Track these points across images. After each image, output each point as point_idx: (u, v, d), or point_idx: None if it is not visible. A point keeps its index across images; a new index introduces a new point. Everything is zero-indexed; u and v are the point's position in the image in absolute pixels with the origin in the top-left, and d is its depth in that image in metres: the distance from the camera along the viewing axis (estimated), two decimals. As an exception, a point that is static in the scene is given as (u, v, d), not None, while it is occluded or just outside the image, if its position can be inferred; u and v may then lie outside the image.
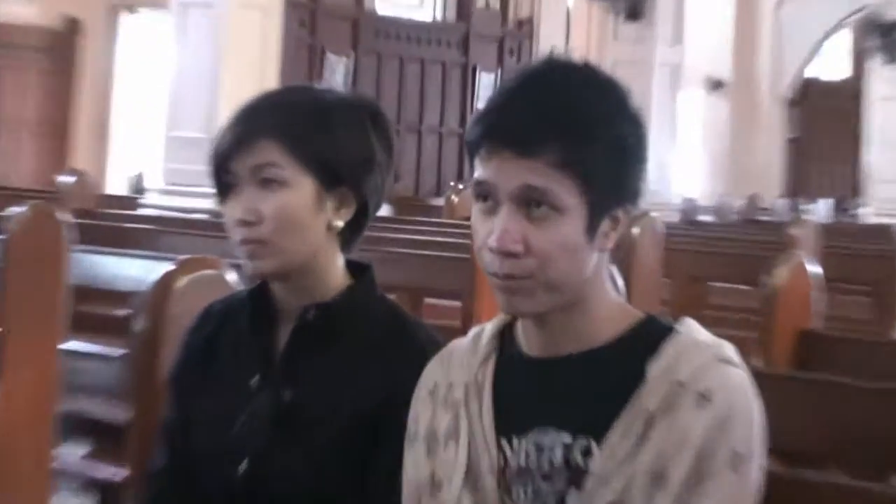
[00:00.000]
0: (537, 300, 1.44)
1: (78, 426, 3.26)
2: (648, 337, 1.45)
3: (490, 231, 1.42)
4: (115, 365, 2.53)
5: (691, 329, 1.47)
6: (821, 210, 12.42)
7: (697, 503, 1.33)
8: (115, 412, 2.45)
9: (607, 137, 1.42)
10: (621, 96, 1.47)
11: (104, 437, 3.08)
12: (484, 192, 1.44)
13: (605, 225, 1.45)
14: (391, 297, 1.96)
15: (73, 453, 3.32)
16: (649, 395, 1.39)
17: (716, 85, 15.16)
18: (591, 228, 1.43)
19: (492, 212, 1.43)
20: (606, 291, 1.51)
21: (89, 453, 3.37)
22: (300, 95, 1.84)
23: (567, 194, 1.41)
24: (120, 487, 2.46)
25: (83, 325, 3.54)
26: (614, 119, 1.44)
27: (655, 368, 1.41)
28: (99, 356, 3.20)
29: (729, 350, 1.44)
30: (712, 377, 1.39)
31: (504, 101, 1.46)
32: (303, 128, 1.72)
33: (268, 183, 1.69)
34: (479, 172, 1.45)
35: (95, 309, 4.15)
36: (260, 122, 1.72)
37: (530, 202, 1.41)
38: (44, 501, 2.94)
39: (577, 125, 1.41)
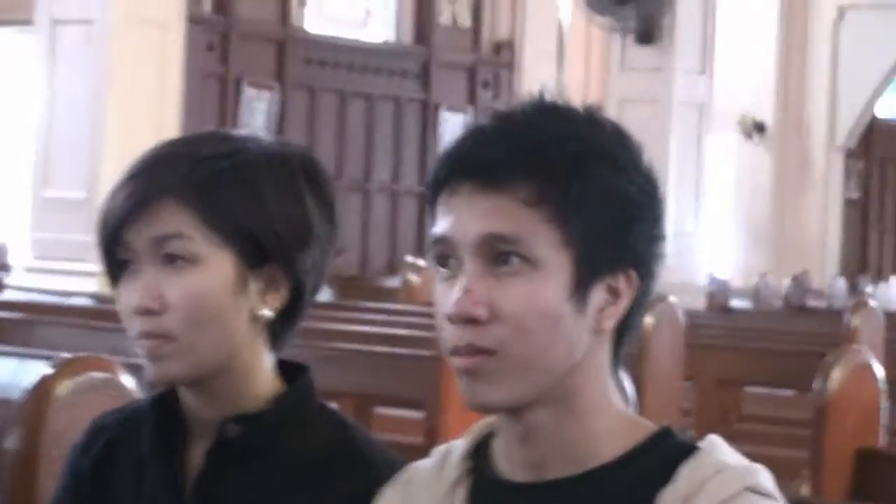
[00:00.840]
0: (508, 386, 1.28)
1: None
2: (662, 458, 1.31)
3: (451, 299, 1.27)
4: None
5: (717, 449, 1.30)
6: (890, 293, 11.00)
7: None
8: None
9: (602, 177, 1.25)
10: (629, 143, 1.29)
11: None
12: (444, 253, 1.28)
13: (597, 294, 1.27)
14: (333, 405, 1.74)
15: None
16: None
17: (755, 129, 13.50)
18: (579, 293, 1.25)
19: (455, 277, 1.27)
20: (608, 396, 1.34)
21: None
22: (214, 146, 1.57)
23: (544, 243, 1.25)
24: None
25: None
26: (615, 159, 1.26)
27: (669, 500, 1.27)
28: None
29: (764, 478, 1.28)
30: None
31: (472, 132, 1.32)
32: (219, 188, 1.51)
33: (173, 260, 1.50)
34: (437, 226, 1.30)
35: None
36: (163, 179, 1.50)
37: (497, 255, 1.26)
38: None
39: (562, 157, 1.25)
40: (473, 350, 1.24)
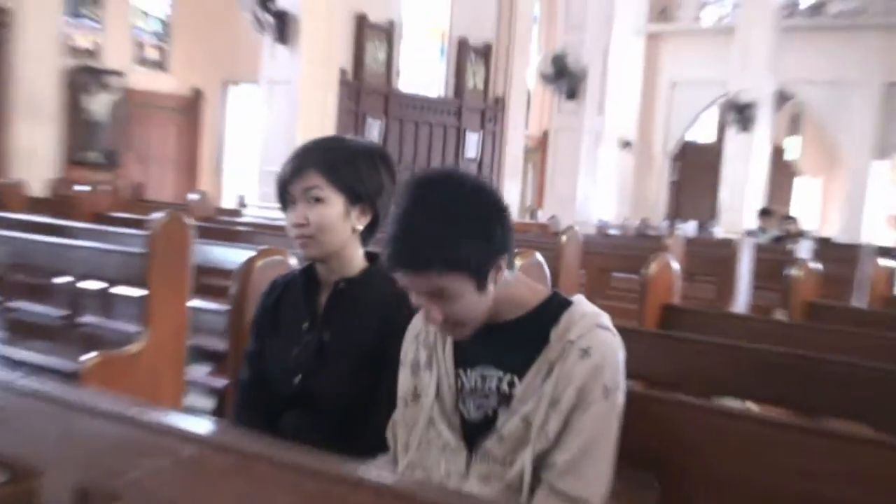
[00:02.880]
0: (476, 325, 2.15)
1: (201, 354, 5.04)
2: (553, 309, 2.14)
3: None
4: (220, 315, 3.52)
5: (581, 303, 2.15)
6: (688, 228, 16.91)
7: (578, 419, 2.01)
8: (221, 345, 3.51)
9: (474, 243, 2.04)
10: (474, 201, 2.08)
11: (216, 361, 4.56)
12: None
13: (490, 278, 2.10)
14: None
15: (199, 371, 5.13)
16: (551, 350, 2.07)
17: (625, 144, 23.11)
18: (481, 287, 2.09)
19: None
20: (523, 284, 2.21)
21: (210, 371, 5.15)
22: (335, 143, 2.59)
23: (458, 284, 2.06)
24: (226, 392, 3.53)
25: (201, 290, 5.47)
26: (473, 229, 2.05)
27: (555, 333, 2.08)
28: (211, 310, 5.16)
29: (605, 319, 2.11)
30: (591, 338, 2.05)
31: (395, 231, 2.06)
32: (336, 163, 2.48)
33: (313, 200, 2.47)
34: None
35: (209, 280, 5.87)
36: (309, 159, 2.48)
37: (438, 295, 2.07)
38: (178, 402, 4.57)
39: (448, 251, 2.03)
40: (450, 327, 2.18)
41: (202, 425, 1.80)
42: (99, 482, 1.88)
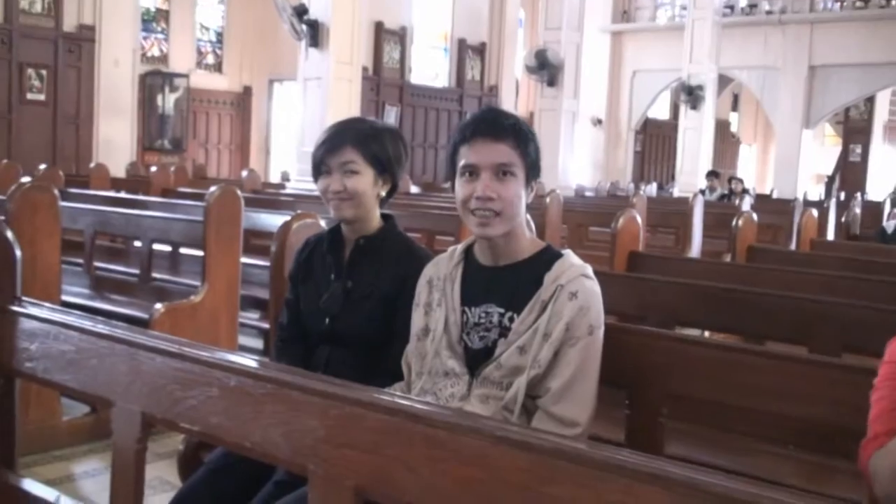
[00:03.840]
0: (498, 227, 2.07)
1: (251, 302, 5.22)
2: (546, 258, 2.11)
3: (473, 190, 2.07)
4: (264, 270, 3.49)
5: (570, 256, 2.12)
6: (651, 190, 17.04)
7: (567, 351, 1.99)
8: (268, 294, 3.46)
9: (531, 140, 2.10)
10: (530, 126, 2.16)
11: (264, 308, 4.55)
12: (469, 170, 2.08)
13: (532, 185, 2.12)
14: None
15: (250, 316, 5.37)
16: (545, 291, 2.03)
17: (596, 122, 22.96)
18: (527, 184, 2.10)
19: (474, 180, 2.07)
20: (524, 236, 2.15)
21: (259, 316, 5.45)
22: (363, 123, 2.56)
23: (518, 169, 2.07)
24: (270, 332, 3.50)
25: (251, 250, 5.83)
26: (531, 133, 2.12)
27: (548, 277, 2.05)
28: (258, 266, 5.25)
29: (588, 270, 2.09)
30: (578, 284, 2.03)
31: (481, 115, 2.12)
32: (367, 140, 2.46)
33: (349, 172, 2.45)
34: (466, 158, 2.08)
35: (258, 241, 6.13)
36: (346, 137, 2.46)
37: (501, 171, 2.06)
38: (234, 341, 4.60)
39: (519, 131, 2.07)
40: (490, 213, 2.05)
41: (245, 360, 1.77)
42: (161, 409, 1.87)
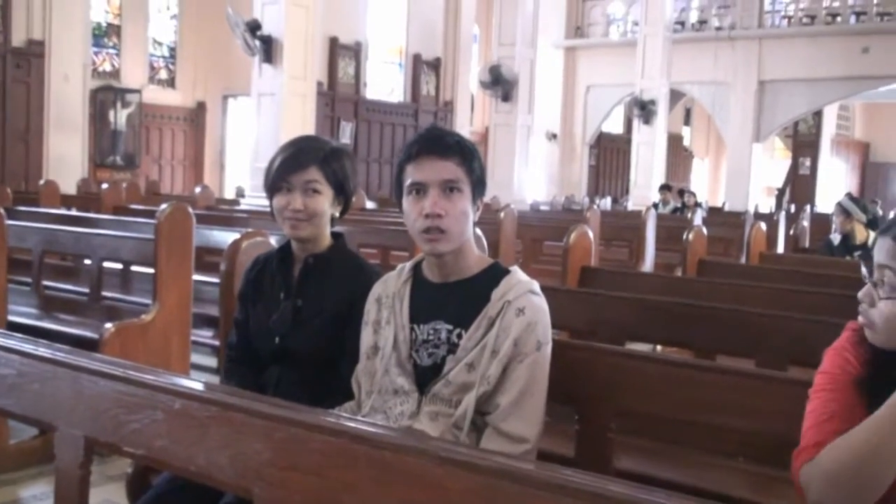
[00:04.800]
0: (447, 244, 2.08)
1: (204, 320, 5.16)
2: (494, 274, 2.11)
3: (421, 208, 2.07)
4: (217, 288, 3.38)
5: (517, 272, 2.12)
6: (605, 203, 17.10)
7: (515, 367, 1.99)
8: (215, 312, 3.38)
9: (475, 158, 2.12)
10: (473, 144, 2.16)
11: (217, 326, 4.14)
12: (417, 188, 2.09)
13: (478, 202, 2.13)
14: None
15: (203, 333, 5.21)
16: (492, 307, 2.03)
17: (551, 136, 23.54)
18: (473, 201, 2.11)
19: (422, 198, 2.07)
20: (472, 252, 2.16)
21: (214, 334, 5.13)
22: (324, 143, 2.53)
23: (464, 185, 2.08)
24: (220, 351, 3.34)
25: (204, 267, 5.71)
26: (475, 151, 2.14)
27: (496, 294, 2.05)
28: (211, 283, 5.00)
29: (536, 286, 2.09)
30: (525, 300, 2.03)
31: (426, 134, 2.13)
32: (330, 160, 2.47)
33: (311, 191, 2.44)
34: (412, 176, 2.09)
35: (210, 258, 6.00)
36: (310, 156, 2.45)
37: (447, 186, 2.07)
38: (187, 360, 4.53)
39: (464, 148, 2.10)
40: (437, 229, 2.05)
41: (189, 383, 1.75)
42: (105, 433, 1.83)
